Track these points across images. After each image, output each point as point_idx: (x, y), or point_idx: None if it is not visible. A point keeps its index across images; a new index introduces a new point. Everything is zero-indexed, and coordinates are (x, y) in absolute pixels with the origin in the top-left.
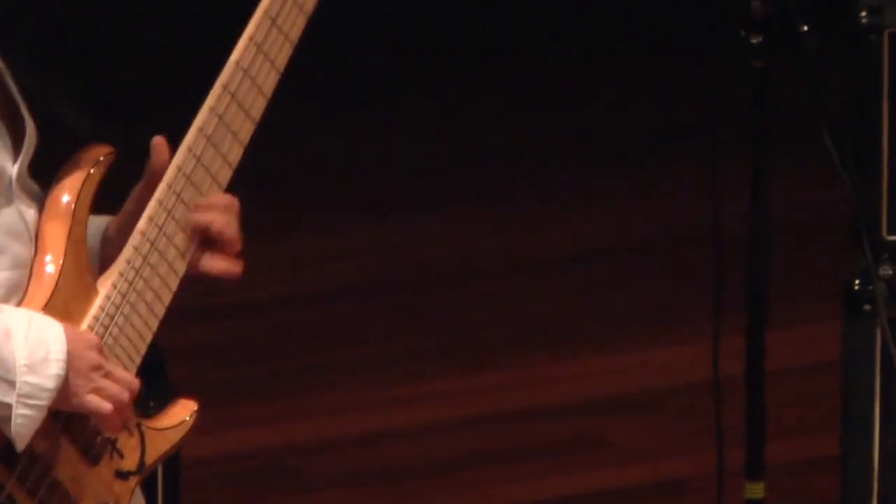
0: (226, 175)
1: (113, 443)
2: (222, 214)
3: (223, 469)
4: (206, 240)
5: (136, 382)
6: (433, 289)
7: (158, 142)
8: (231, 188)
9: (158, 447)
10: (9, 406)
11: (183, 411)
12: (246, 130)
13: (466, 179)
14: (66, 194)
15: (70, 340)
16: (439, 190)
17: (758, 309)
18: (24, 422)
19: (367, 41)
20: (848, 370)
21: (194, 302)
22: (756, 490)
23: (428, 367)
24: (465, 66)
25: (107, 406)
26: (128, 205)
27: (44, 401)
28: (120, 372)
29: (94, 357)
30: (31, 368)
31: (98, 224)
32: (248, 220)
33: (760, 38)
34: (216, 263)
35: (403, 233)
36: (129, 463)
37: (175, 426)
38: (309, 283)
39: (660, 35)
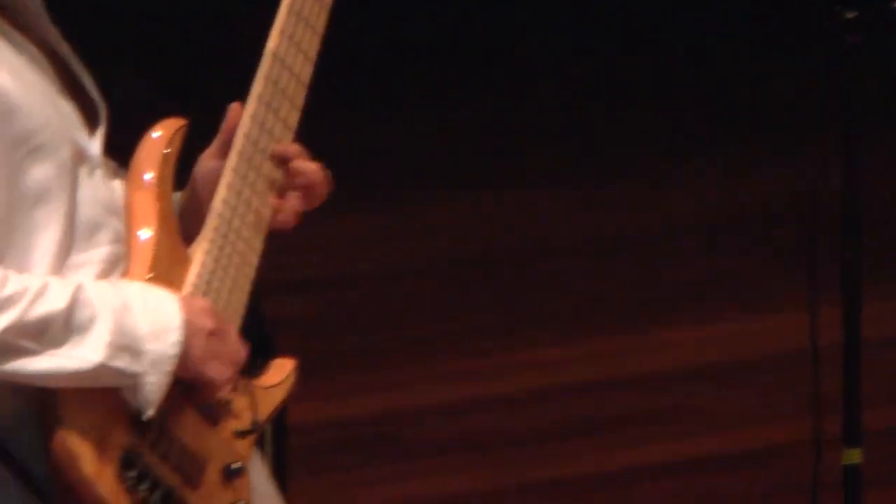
0: (295, 119)
1: (227, 404)
2: (299, 153)
3: (327, 436)
4: (283, 189)
5: (244, 347)
6: (534, 262)
7: (236, 106)
8: (330, 167)
9: (267, 405)
10: (137, 375)
11: (283, 370)
12: (306, 72)
13: (564, 157)
14: (148, 168)
15: (185, 308)
16: (535, 166)
17: (854, 274)
18: (153, 388)
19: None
20: None
21: (296, 275)
22: (853, 456)
23: (528, 338)
24: (549, 45)
25: (225, 374)
26: (198, 171)
27: (169, 367)
28: (233, 335)
29: (209, 322)
30: (154, 336)
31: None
32: (357, 196)
33: (855, 14)
34: (291, 211)
35: (502, 206)
36: (244, 422)
37: (279, 384)
38: (409, 257)
39: (746, 14)
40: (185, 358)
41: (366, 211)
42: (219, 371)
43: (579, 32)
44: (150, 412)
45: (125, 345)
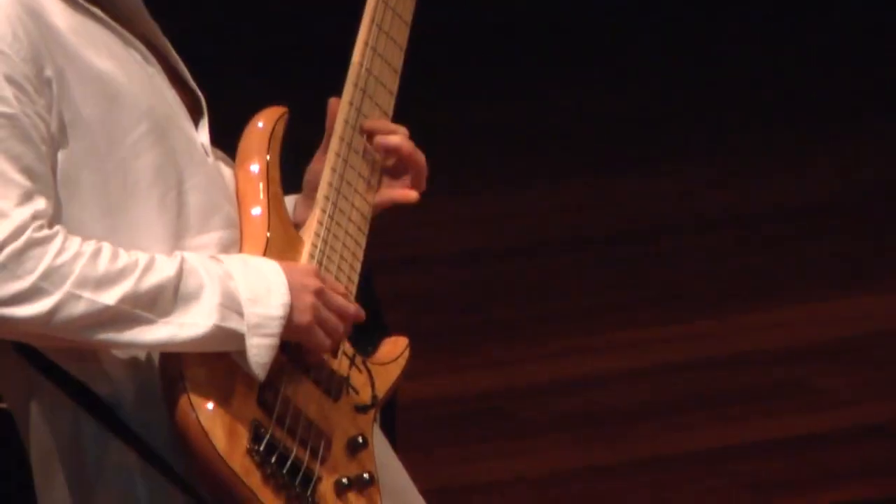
0: (389, 103)
1: (346, 380)
2: (406, 139)
3: (437, 412)
4: (389, 169)
5: (352, 308)
6: (637, 242)
7: (334, 100)
8: (428, 149)
9: (385, 381)
10: (247, 336)
11: (397, 347)
12: (397, 59)
13: (678, 136)
14: (254, 155)
15: (288, 271)
16: (648, 147)
17: None
18: (259, 351)
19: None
20: None
21: (408, 251)
22: None
23: (635, 316)
24: (682, 22)
25: (327, 343)
26: (310, 172)
27: (274, 329)
28: (339, 299)
29: (313, 282)
30: (255, 301)
31: (287, 203)
32: (463, 175)
33: None
34: (394, 191)
35: (615, 190)
36: (364, 397)
37: (394, 360)
38: (522, 236)
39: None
40: (290, 320)
41: (478, 191)
42: (321, 337)
43: None
44: (260, 376)
45: (234, 308)
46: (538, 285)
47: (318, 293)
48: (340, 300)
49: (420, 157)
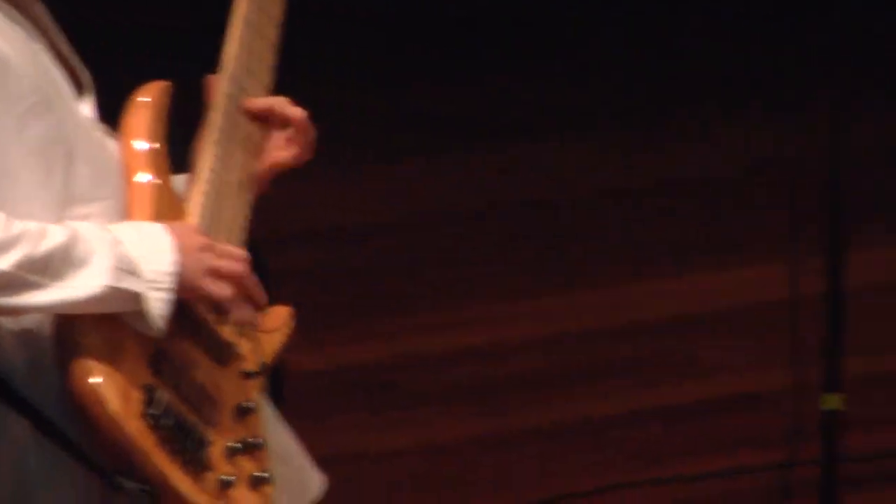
0: (268, 76)
1: (233, 346)
2: (290, 104)
3: (327, 382)
4: (273, 138)
5: (243, 253)
6: (527, 214)
7: (212, 78)
8: (325, 128)
9: (270, 348)
10: (141, 294)
11: (282, 316)
12: (274, 34)
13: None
14: (138, 128)
15: (172, 230)
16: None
17: (837, 226)
18: (158, 304)
19: None
20: None
21: (299, 226)
22: (832, 401)
23: (521, 288)
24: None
25: (226, 290)
26: (196, 151)
27: (169, 283)
28: (227, 247)
29: (199, 239)
30: (149, 259)
31: (178, 182)
32: (351, 152)
33: None
34: (284, 151)
35: (496, 163)
36: (251, 364)
37: (279, 328)
38: (409, 210)
39: None
40: (182, 276)
41: (361, 166)
42: (219, 286)
43: None
44: (158, 330)
45: (127, 269)
46: (425, 258)
47: (206, 247)
48: (229, 248)
49: (305, 118)
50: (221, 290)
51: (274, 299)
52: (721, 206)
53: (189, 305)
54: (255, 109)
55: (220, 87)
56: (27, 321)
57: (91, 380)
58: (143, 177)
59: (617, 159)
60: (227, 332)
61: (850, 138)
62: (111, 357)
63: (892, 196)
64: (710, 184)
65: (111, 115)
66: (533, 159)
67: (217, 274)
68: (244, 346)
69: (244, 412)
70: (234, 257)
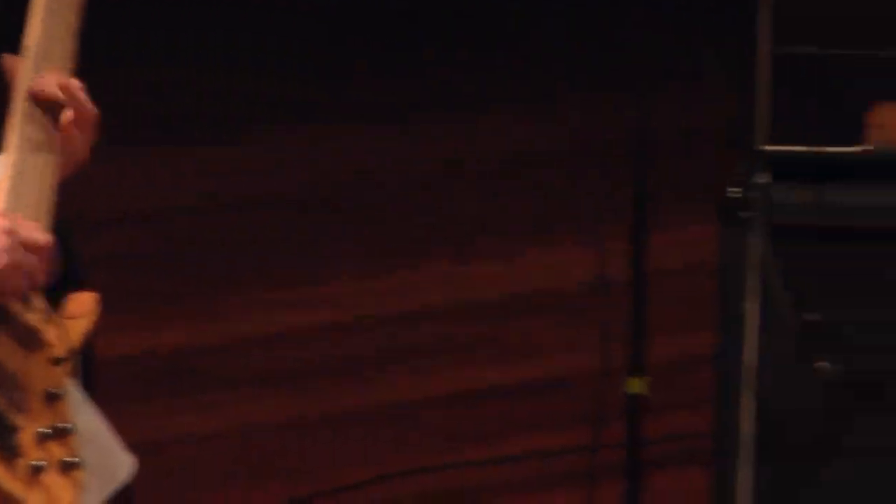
0: (67, 58)
1: (39, 333)
2: (64, 84)
3: (137, 367)
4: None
5: (46, 237)
6: (325, 199)
7: (7, 58)
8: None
9: (76, 334)
10: None
11: (85, 303)
12: (72, 15)
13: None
14: None
15: None
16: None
17: (642, 211)
18: None
19: None
20: (724, 274)
21: (105, 210)
22: (636, 385)
23: (331, 272)
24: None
25: (25, 283)
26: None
27: None
28: (31, 231)
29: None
30: None
31: None
32: (158, 133)
33: None
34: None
35: (305, 142)
36: (59, 350)
37: (85, 314)
38: (216, 193)
39: None
40: None
41: (164, 149)
42: (25, 270)
43: None
44: None
45: None
46: (235, 242)
47: (8, 232)
48: (32, 232)
49: (83, 100)
50: (19, 283)
51: (84, 285)
52: (527, 189)
53: None
54: (40, 93)
55: (24, 70)
56: None
57: None
58: None
59: (429, 143)
60: (33, 318)
61: (651, 121)
62: None
63: (693, 178)
64: (517, 165)
65: None
66: (326, 143)
67: (20, 265)
68: (51, 333)
69: (53, 398)
70: (36, 244)
